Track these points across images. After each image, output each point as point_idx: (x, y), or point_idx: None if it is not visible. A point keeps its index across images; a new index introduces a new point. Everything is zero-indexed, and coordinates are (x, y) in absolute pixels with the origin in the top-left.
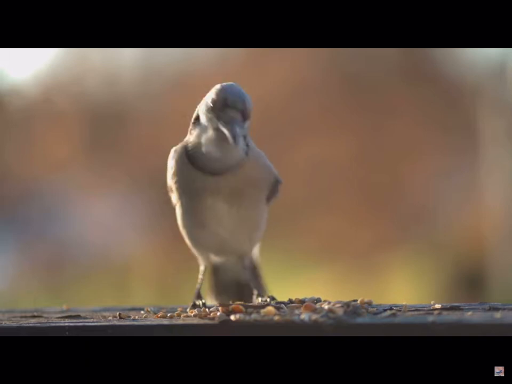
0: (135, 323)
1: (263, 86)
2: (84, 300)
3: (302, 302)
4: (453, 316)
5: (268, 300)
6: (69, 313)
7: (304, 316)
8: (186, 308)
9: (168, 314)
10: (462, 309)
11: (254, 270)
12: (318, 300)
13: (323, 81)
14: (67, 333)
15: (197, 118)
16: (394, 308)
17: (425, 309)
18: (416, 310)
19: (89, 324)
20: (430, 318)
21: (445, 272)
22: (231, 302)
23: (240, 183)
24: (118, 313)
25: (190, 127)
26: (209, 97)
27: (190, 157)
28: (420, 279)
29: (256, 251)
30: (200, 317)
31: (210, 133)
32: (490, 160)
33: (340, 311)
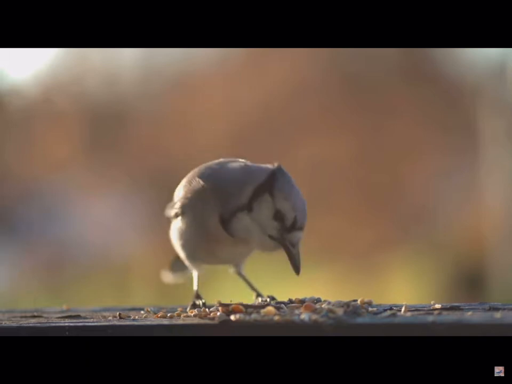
0: (135, 323)
1: (263, 86)
2: (83, 300)
3: (302, 302)
4: (453, 316)
5: (268, 300)
6: (69, 313)
7: (304, 316)
8: (186, 308)
9: (168, 314)
10: (462, 309)
11: (244, 276)
12: (318, 300)
13: (323, 81)
14: (67, 333)
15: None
16: (394, 308)
17: (425, 309)
18: (416, 310)
19: (89, 323)
20: (430, 318)
21: (445, 272)
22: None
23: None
24: (118, 313)
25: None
26: (280, 205)
27: (227, 227)
28: (420, 279)
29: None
30: (200, 317)
31: (267, 240)
32: (490, 160)
33: (340, 311)
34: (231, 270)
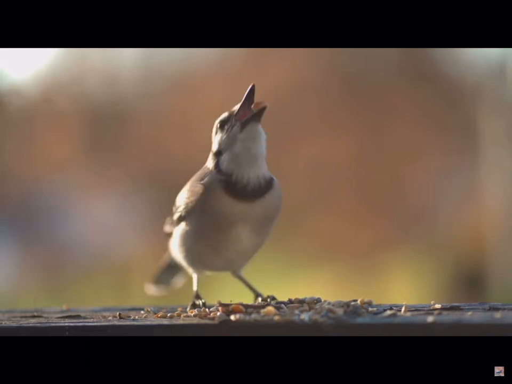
0: (135, 323)
1: (263, 86)
2: (83, 300)
3: (302, 302)
4: (453, 316)
5: (268, 300)
6: (69, 313)
7: (304, 316)
8: (186, 308)
9: (168, 314)
10: (462, 309)
11: (243, 278)
12: (318, 300)
13: (323, 81)
14: (67, 333)
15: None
16: (394, 308)
17: (425, 309)
18: (416, 310)
19: (89, 323)
20: (430, 318)
21: (445, 272)
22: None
23: (267, 211)
24: (118, 313)
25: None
26: (218, 122)
27: (229, 187)
28: (420, 279)
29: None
30: (200, 317)
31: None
32: (490, 160)
33: (340, 311)
34: (230, 272)
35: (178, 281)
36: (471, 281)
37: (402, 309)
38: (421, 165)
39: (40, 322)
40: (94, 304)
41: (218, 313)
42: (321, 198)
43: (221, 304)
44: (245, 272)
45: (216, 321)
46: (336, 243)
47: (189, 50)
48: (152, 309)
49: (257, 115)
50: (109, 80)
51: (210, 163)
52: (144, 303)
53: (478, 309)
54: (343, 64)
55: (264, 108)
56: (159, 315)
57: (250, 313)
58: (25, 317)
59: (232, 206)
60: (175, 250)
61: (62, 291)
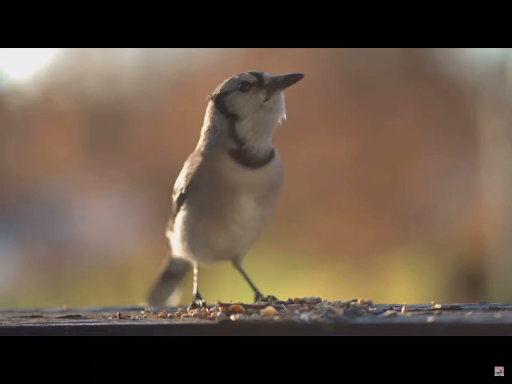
0: (135, 323)
1: None
2: (83, 300)
3: (302, 302)
4: (453, 316)
5: (268, 300)
6: (69, 313)
7: (304, 316)
8: (186, 308)
9: (168, 314)
10: (462, 309)
11: (244, 272)
12: (318, 300)
13: (323, 81)
14: (67, 333)
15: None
16: (394, 308)
17: (425, 309)
18: (416, 310)
19: (89, 323)
20: (430, 318)
21: (445, 272)
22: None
23: (271, 179)
24: (118, 313)
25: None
26: (236, 84)
27: (236, 152)
28: (420, 279)
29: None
30: (200, 317)
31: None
32: (490, 160)
33: (340, 311)
34: (231, 261)
35: (174, 299)
36: (471, 281)
37: (402, 309)
38: (421, 165)
39: (40, 322)
40: (94, 304)
41: (218, 313)
42: (321, 198)
43: (221, 304)
44: (246, 272)
45: (216, 321)
46: (336, 243)
47: (189, 50)
48: (152, 309)
49: (289, 81)
50: (109, 80)
51: (219, 124)
52: (144, 303)
53: (478, 309)
54: (343, 64)
55: (300, 76)
56: (159, 315)
57: (250, 313)
58: (25, 317)
59: (237, 172)
60: (178, 238)
61: (62, 291)
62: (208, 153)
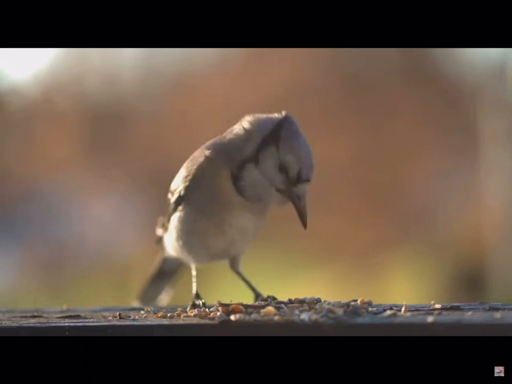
0: (135, 323)
1: (263, 86)
2: (83, 300)
3: (302, 302)
4: (453, 316)
5: (268, 300)
6: (69, 313)
7: (304, 316)
8: (186, 308)
9: (168, 314)
10: (462, 309)
11: (243, 275)
12: (318, 300)
13: (323, 81)
14: (67, 333)
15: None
16: (394, 308)
17: (425, 309)
18: (416, 310)
19: (89, 323)
20: (430, 318)
21: (445, 272)
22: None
23: (264, 205)
24: (118, 313)
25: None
26: (285, 157)
27: (237, 184)
28: (420, 279)
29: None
30: (200, 317)
31: (274, 193)
32: (490, 160)
33: (340, 311)
34: (229, 264)
35: (164, 298)
36: (471, 281)
37: (402, 309)
38: (421, 165)
39: (40, 322)
40: (94, 304)
41: (218, 313)
42: (321, 198)
43: (221, 304)
44: (245, 271)
45: (216, 321)
46: (336, 243)
47: (189, 50)
48: (152, 309)
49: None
50: (109, 80)
51: (248, 147)
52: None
53: (478, 309)
54: (343, 64)
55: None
56: (159, 315)
57: (250, 313)
58: (25, 317)
59: (233, 194)
60: (173, 240)
61: (62, 291)
62: (211, 165)
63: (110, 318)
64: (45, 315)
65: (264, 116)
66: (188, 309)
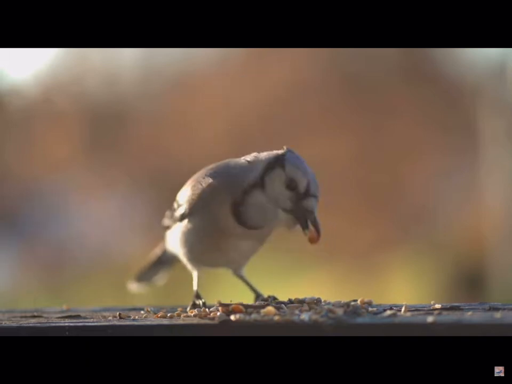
0: (135, 323)
1: (263, 86)
2: (83, 300)
3: (302, 302)
4: (453, 316)
5: (269, 300)
6: (69, 313)
7: (304, 316)
8: (186, 308)
9: (168, 314)
10: (462, 309)
11: (244, 278)
12: (318, 300)
13: (323, 81)
14: (67, 333)
15: (259, 178)
16: (394, 308)
17: (425, 309)
18: (416, 310)
19: (89, 323)
20: (430, 318)
21: (445, 272)
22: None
23: (264, 233)
24: (118, 313)
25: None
26: (292, 173)
27: (237, 212)
28: (420, 279)
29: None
30: (200, 317)
31: (282, 213)
32: (490, 160)
33: (340, 311)
34: (231, 271)
35: (161, 279)
36: (471, 281)
37: (402, 309)
38: (421, 165)
39: (40, 322)
40: (94, 304)
41: (218, 313)
42: (321, 198)
43: (221, 304)
44: (246, 272)
45: (216, 321)
46: (336, 243)
47: (189, 50)
48: (152, 309)
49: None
50: (109, 80)
51: (251, 174)
52: (144, 303)
53: (478, 309)
54: (343, 64)
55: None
56: (159, 315)
57: (250, 313)
58: (25, 317)
59: (233, 224)
60: (176, 245)
61: (62, 291)
62: (213, 194)
63: (110, 318)
64: (45, 315)
65: (266, 152)
66: (188, 309)
